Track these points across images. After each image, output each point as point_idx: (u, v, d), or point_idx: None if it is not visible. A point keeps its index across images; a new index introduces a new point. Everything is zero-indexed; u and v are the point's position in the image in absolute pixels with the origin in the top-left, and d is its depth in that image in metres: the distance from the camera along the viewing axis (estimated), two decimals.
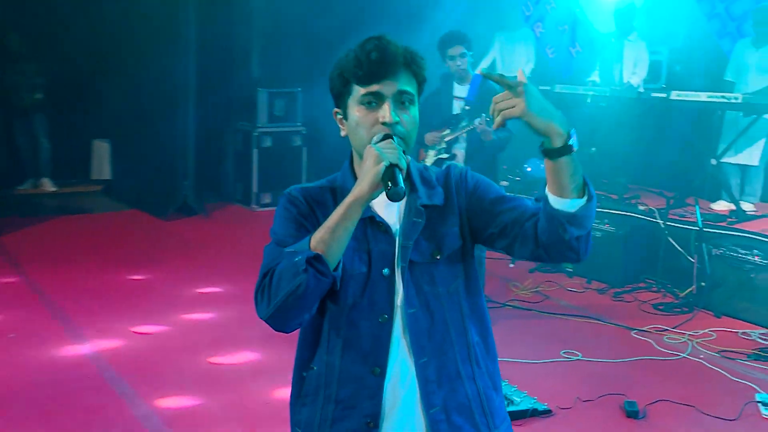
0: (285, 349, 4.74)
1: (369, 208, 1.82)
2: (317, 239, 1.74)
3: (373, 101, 1.84)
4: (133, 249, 7.10)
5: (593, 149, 7.06)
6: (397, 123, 1.83)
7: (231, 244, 7.42)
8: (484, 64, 8.45)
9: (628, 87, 7.08)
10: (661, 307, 5.82)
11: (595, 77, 7.57)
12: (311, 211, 1.89)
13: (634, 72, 7.31)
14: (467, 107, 5.48)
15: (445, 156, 5.56)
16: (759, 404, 4.33)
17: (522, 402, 4.17)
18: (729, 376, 4.73)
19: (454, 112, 5.57)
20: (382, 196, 1.76)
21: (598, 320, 5.62)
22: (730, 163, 6.63)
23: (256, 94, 8.72)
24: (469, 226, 1.92)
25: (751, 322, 5.57)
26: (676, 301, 5.90)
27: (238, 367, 4.72)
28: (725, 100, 6.21)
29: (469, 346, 1.90)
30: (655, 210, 6.41)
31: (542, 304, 5.97)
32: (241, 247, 7.24)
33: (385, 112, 1.82)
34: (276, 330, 1.80)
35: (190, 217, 8.32)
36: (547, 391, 4.36)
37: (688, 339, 5.26)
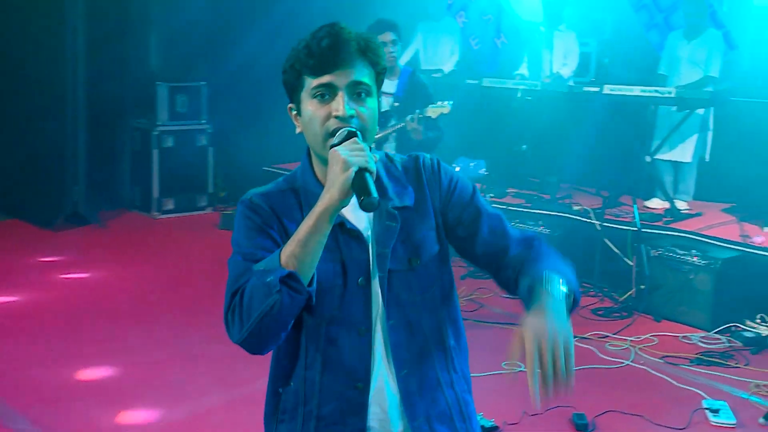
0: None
1: (338, 214, 1.80)
2: (288, 254, 1.73)
3: (326, 93, 1.82)
4: (13, 263, 6.78)
5: (524, 147, 7.20)
6: (351, 116, 1.81)
7: (129, 255, 7.19)
8: (406, 57, 8.46)
9: (558, 78, 7.26)
10: (600, 312, 5.97)
11: (523, 70, 7.70)
12: (276, 218, 1.88)
13: (564, 63, 7.50)
14: (396, 104, 5.50)
15: (375, 157, 5.55)
16: (706, 411, 4.48)
17: None
18: (674, 382, 4.88)
19: (382, 109, 5.57)
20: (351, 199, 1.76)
21: None
22: (662, 160, 6.88)
23: (155, 89, 8.47)
24: (444, 229, 1.96)
25: (690, 325, 5.77)
26: (616, 306, 6.06)
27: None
28: (659, 95, 6.44)
29: (446, 351, 1.98)
30: (590, 210, 6.57)
31: (478, 313, 6.03)
32: (141, 258, 7.04)
33: (339, 104, 1.80)
34: (251, 353, 1.79)
35: (81, 227, 8.01)
36: (493, 406, 4.39)
37: (630, 345, 5.41)
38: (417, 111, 5.27)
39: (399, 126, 5.40)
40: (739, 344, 5.47)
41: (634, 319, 5.87)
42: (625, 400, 4.58)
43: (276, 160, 8.70)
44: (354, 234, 1.88)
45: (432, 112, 5.24)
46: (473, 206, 1.96)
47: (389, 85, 5.58)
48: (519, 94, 7.07)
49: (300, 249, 1.72)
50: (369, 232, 1.89)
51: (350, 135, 1.80)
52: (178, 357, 5.02)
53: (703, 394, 4.71)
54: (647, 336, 5.57)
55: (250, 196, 1.91)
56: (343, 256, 1.86)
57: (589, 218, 6.51)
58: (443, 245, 1.96)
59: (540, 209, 6.83)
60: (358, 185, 1.71)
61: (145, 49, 8.90)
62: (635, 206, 6.26)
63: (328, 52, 1.80)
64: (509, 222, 2.03)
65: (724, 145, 6.94)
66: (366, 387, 1.88)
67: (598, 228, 6.40)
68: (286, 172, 2.00)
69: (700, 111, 6.68)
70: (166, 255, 7.12)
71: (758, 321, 5.69)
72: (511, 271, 1.92)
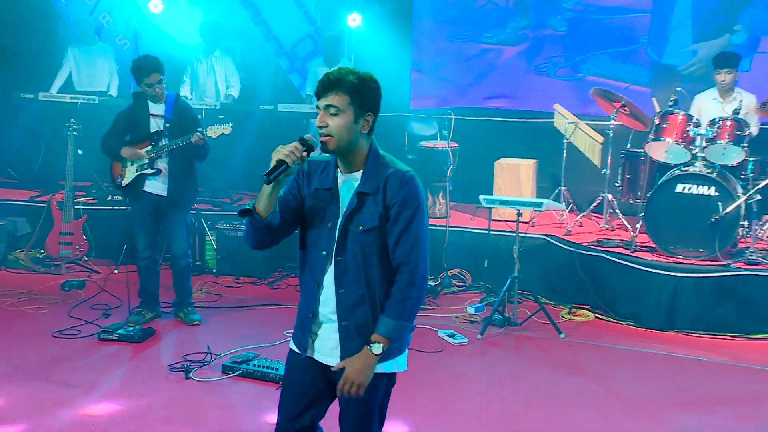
0: None
1: (335, 185, 3.04)
2: (256, 200, 3.02)
3: (318, 110, 3.02)
4: None
5: None
6: (323, 126, 2.97)
7: None
8: (59, 81, 8.79)
9: (233, 99, 8.53)
10: None
11: (185, 92, 8.67)
12: (305, 174, 3.12)
13: (230, 85, 8.74)
14: (167, 125, 6.26)
15: (149, 171, 6.25)
16: (446, 338, 6.39)
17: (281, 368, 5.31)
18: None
19: (153, 129, 6.27)
20: (345, 174, 3.05)
21: (279, 305, 7.05)
22: None
23: None
24: (386, 218, 3.03)
25: None
26: None
27: None
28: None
29: (371, 289, 3.05)
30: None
31: (222, 301, 7.12)
32: None
33: (318, 118, 3.01)
34: (252, 248, 3.14)
35: None
36: None
37: None
38: (199, 129, 6.14)
39: (172, 147, 6.17)
40: None
41: None
42: None
43: None
44: (336, 197, 3.06)
45: (212, 132, 6.15)
46: (402, 220, 3.01)
47: (157, 109, 6.28)
48: (203, 113, 8.10)
49: (258, 198, 2.99)
50: (345, 201, 3.04)
51: (300, 139, 3.00)
52: None
53: (434, 329, 6.59)
54: None
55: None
56: (327, 208, 3.06)
57: None
58: (384, 224, 3.02)
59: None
60: (274, 169, 2.92)
61: None
62: None
63: (319, 85, 3.00)
64: (419, 246, 3.02)
65: None
66: (320, 286, 3.07)
67: None
68: None
69: None
70: None
71: None
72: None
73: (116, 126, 6.37)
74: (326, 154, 3.06)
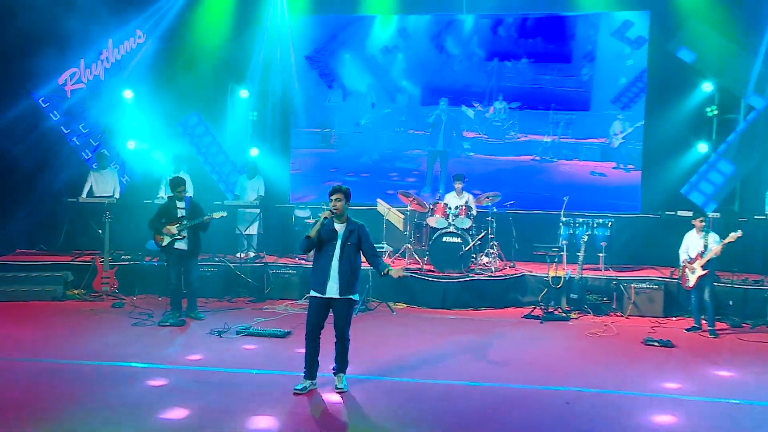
0: None
1: (335, 229, 6.99)
2: (310, 231, 7.04)
3: (331, 201, 7.00)
4: None
5: None
6: (333, 206, 6.95)
7: None
8: (85, 189, 12.33)
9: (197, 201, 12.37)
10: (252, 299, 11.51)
11: (162, 194, 12.40)
12: (323, 225, 7.03)
13: (187, 191, 12.57)
14: (186, 212, 10.13)
15: (179, 237, 10.08)
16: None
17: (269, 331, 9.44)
18: None
19: (179, 215, 10.13)
20: (339, 224, 7.08)
21: (239, 308, 11.03)
22: (248, 234, 12.67)
23: None
24: (359, 242, 7.13)
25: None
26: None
27: None
28: (257, 203, 12.33)
29: (352, 266, 7.00)
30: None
31: (207, 309, 10.96)
32: None
33: (331, 204, 6.97)
34: (303, 253, 8.32)
35: None
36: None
37: (287, 308, 11.18)
38: (207, 214, 10.09)
39: (194, 223, 10.02)
40: None
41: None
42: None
43: None
44: (336, 233, 7.01)
45: (216, 215, 10.12)
46: (366, 241, 7.09)
47: (182, 204, 10.14)
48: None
49: (311, 230, 6.97)
50: (341, 233, 6.99)
51: (328, 209, 7.00)
52: None
53: None
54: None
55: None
56: (332, 238, 6.97)
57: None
58: (359, 244, 7.03)
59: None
60: (321, 220, 7.01)
61: None
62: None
63: (332, 190, 6.98)
64: (374, 247, 7.23)
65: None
66: (329, 267, 6.92)
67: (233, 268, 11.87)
68: None
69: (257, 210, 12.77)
70: None
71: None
72: (370, 261, 7.18)
73: (159, 213, 10.16)
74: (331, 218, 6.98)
